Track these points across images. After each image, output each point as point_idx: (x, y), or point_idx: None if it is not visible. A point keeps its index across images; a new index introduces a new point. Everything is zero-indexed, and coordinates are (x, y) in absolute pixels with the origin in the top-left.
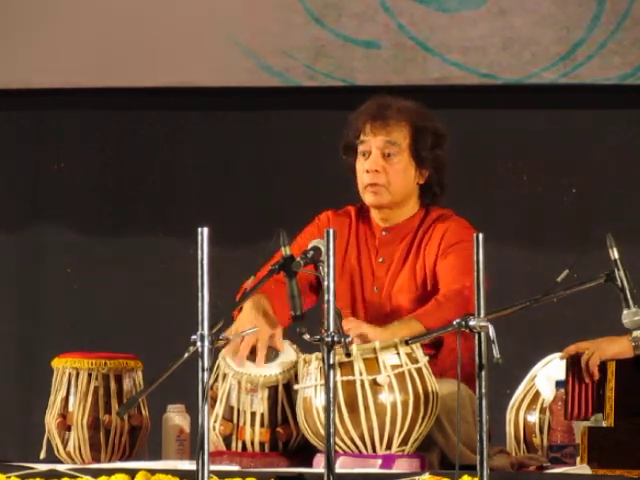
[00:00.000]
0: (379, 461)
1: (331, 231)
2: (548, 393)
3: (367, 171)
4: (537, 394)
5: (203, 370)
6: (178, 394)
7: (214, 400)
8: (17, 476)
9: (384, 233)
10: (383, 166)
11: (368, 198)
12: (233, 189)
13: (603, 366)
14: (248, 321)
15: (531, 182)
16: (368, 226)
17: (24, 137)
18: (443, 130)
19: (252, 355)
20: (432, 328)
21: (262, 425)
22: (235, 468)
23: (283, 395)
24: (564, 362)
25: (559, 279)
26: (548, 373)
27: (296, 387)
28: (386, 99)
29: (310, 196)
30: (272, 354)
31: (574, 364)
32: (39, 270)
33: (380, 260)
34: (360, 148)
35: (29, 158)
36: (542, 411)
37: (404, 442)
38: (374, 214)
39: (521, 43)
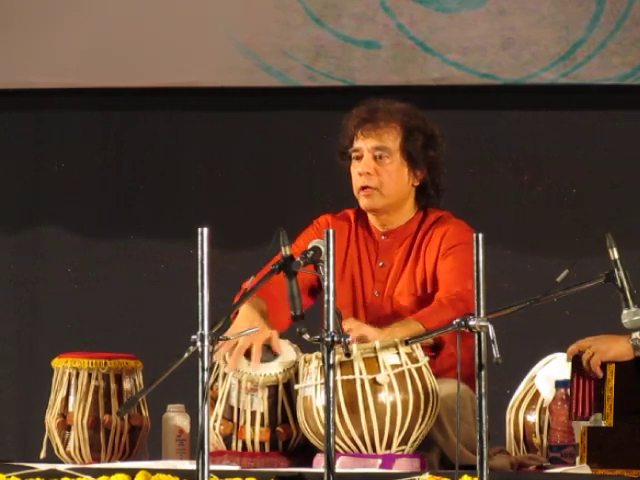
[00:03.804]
0: (379, 461)
1: (331, 231)
2: (548, 393)
3: (360, 174)
4: (537, 394)
5: (203, 370)
6: (178, 394)
7: (214, 400)
8: (17, 476)
9: (383, 237)
10: (375, 168)
11: (362, 202)
12: (233, 189)
13: (603, 366)
14: (247, 321)
15: (531, 182)
16: (367, 230)
17: (24, 137)
18: (436, 131)
19: (249, 356)
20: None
21: (262, 424)
22: (235, 468)
23: (283, 394)
24: (564, 362)
25: (559, 279)
26: (548, 373)
27: (296, 387)
28: (376, 102)
29: (310, 196)
30: (271, 354)
31: (578, 364)
32: (39, 270)
33: (380, 264)
34: (353, 153)
35: (29, 158)
36: (542, 411)
37: (404, 442)
38: (372, 218)
39: (521, 43)
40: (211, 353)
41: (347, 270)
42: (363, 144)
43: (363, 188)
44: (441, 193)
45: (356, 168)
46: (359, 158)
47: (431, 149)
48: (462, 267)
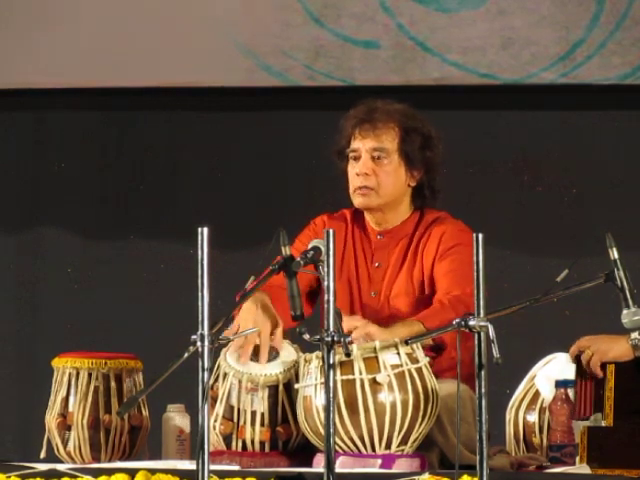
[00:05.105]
0: (379, 461)
1: (331, 231)
2: (548, 393)
3: (357, 174)
4: (537, 394)
5: (203, 370)
6: (178, 394)
7: (214, 400)
8: (17, 476)
9: (379, 237)
10: (373, 169)
11: (357, 200)
12: (233, 189)
13: (603, 367)
14: (249, 316)
15: (531, 182)
16: (363, 230)
17: (24, 137)
18: (433, 132)
19: (254, 355)
20: None
21: (262, 424)
22: (235, 468)
23: (284, 394)
24: (564, 362)
25: (559, 279)
26: (548, 373)
27: (296, 386)
28: (374, 102)
29: (310, 196)
30: (272, 354)
31: (578, 364)
32: (39, 270)
33: (376, 265)
34: (351, 152)
35: (29, 158)
36: (542, 411)
37: (404, 442)
38: (368, 218)
39: (520, 43)
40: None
41: (344, 271)
42: (361, 145)
43: (360, 188)
44: (437, 194)
45: (354, 168)
46: (357, 158)
47: (428, 150)
48: (460, 269)
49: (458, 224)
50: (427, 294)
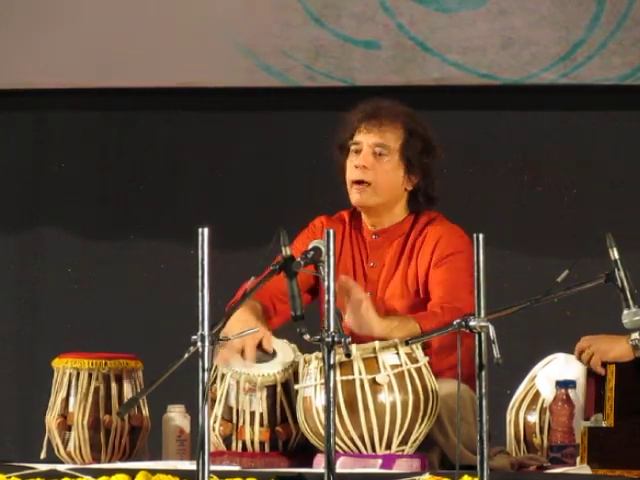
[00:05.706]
0: (379, 461)
1: (331, 231)
2: (548, 393)
3: (356, 166)
4: (537, 394)
5: (203, 370)
6: (178, 394)
7: (213, 401)
8: (17, 476)
9: (374, 237)
10: (372, 164)
11: (354, 197)
12: (233, 189)
13: (603, 366)
14: (239, 323)
15: (531, 182)
16: (359, 231)
17: (24, 137)
18: (435, 141)
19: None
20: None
21: (261, 425)
22: (235, 468)
23: (282, 394)
24: (564, 362)
25: (559, 279)
26: (548, 373)
27: (296, 387)
28: (382, 101)
29: (310, 196)
30: (269, 355)
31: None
32: (39, 270)
33: (371, 265)
34: (353, 146)
35: (29, 158)
36: (542, 411)
37: (404, 442)
38: (365, 219)
39: (521, 43)
40: (211, 355)
41: (340, 271)
42: (364, 139)
43: (357, 182)
44: (434, 201)
45: (353, 161)
46: (358, 152)
47: (428, 156)
48: (455, 279)
49: (454, 228)
50: (422, 298)
